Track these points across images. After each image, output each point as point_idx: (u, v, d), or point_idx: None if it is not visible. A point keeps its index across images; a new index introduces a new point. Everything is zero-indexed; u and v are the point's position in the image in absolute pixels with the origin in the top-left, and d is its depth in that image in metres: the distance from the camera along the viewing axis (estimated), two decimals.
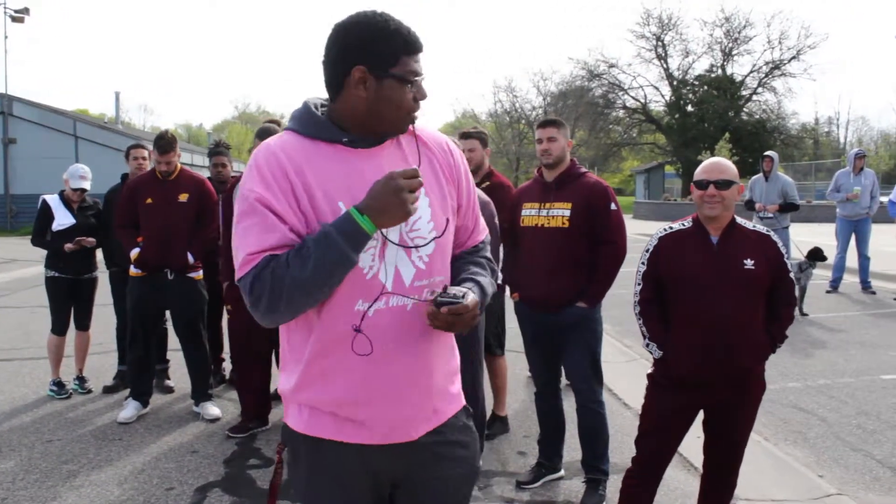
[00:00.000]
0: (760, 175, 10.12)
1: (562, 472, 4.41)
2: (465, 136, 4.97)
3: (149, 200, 5.51)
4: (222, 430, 5.29)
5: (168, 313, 5.95)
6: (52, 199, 6.15)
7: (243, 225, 1.86)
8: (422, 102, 1.97)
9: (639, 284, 3.37)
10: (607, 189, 4.10)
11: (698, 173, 3.25)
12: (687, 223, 3.31)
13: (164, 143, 5.53)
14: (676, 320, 3.26)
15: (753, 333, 3.20)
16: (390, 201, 1.80)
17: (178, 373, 6.38)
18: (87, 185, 6.06)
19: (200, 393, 5.69)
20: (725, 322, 3.13)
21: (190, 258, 5.53)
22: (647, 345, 3.35)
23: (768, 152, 10.42)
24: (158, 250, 5.47)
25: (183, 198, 5.53)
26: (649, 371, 3.42)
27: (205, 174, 6.16)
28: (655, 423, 3.36)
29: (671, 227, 3.35)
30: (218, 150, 6.43)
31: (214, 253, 6.07)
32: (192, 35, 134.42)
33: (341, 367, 1.91)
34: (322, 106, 2.01)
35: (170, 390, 6.31)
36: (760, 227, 3.29)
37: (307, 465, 2.01)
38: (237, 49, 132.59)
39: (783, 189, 9.84)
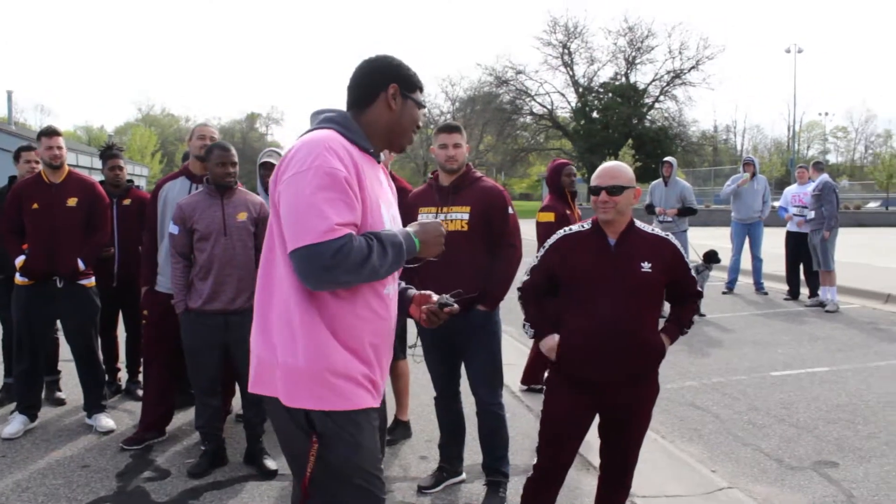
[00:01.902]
0: (660, 180, 10.42)
1: (463, 476, 4.42)
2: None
3: (35, 206, 5.25)
4: (116, 442, 5.09)
5: (59, 323, 5.70)
6: None
7: (327, 196, 2.10)
8: None
9: (527, 275, 3.40)
10: (503, 193, 4.13)
11: (593, 179, 3.26)
12: (587, 225, 3.33)
13: (48, 128, 5.35)
14: (572, 322, 3.25)
15: (648, 336, 3.21)
16: (436, 241, 2.38)
17: (70, 384, 6.12)
18: None
19: (93, 404, 5.46)
20: (620, 324, 3.13)
21: (80, 265, 5.30)
22: (524, 325, 3.43)
23: (667, 158, 10.72)
24: (46, 257, 5.22)
25: (71, 202, 5.30)
26: (546, 376, 3.44)
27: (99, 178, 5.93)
28: (555, 430, 3.35)
29: (571, 229, 3.37)
30: (112, 153, 6.17)
31: (107, 260, 5.87)
32: (93, 33, 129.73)
33: (384, 345, 2.36)
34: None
35: (61, 402, 6.03)
36: (659, 231, 3.31)
37: (361, 438, 2.26)
38: (140, 48, 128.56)
39: (682, 194, 10.17)
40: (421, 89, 2.47)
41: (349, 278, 2.13)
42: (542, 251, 3.38)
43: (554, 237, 3.38)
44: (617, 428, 3.37)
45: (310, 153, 2.16)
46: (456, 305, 2.54)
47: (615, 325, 3.14)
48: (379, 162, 2.42)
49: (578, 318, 3.22)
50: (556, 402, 3.34)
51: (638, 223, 3.29)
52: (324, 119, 2.34)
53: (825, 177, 10.66)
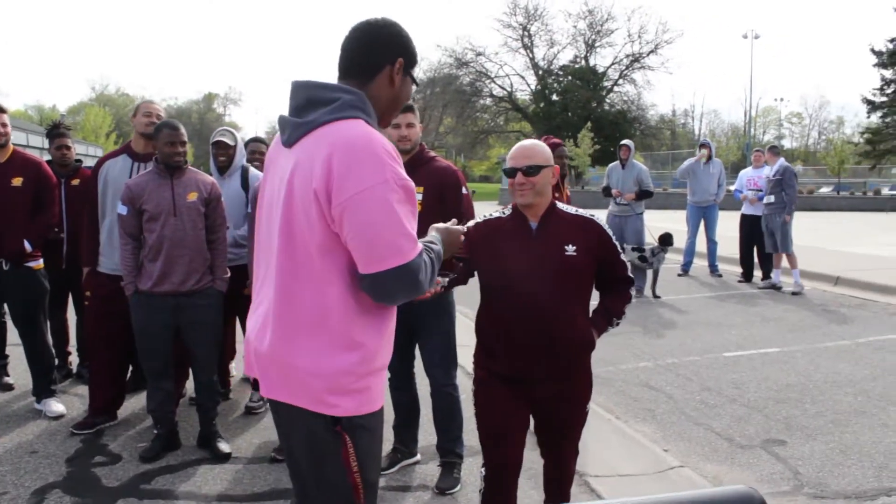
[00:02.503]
0: (617, 163, 10.47)
1: (418, 457, 4.42)
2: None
3: None
4: (66, 427, 5.00)
5: (6, 306, 5.57)
6: None
7: (406, 210, 2.03)
8: None
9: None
10: (457, 172, 4.11)
11: (507, 160, 3.05)
12: (507, 211, 3.12)
13: None
14: (495, 313, 3.05)
15: (576, 324, 3.00)
16: (456, 247, 2.41)
17: (19, 368, 5.99)
18: None
19: (42, 389, 5.35)
20: (546, 312, 2.93)
21: (27, 246, 5.17)
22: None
23: (625, 141, 10.77)
24: None
25: (17, 182, 5.16)
26: (472, 373, 3.24)
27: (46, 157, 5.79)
28: (489, 426, 3.14)
29: (491, 215, 3.18)
30: (59, 132, 6.01)
31: (55, 241, 5.73)
32: (45, 9, 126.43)
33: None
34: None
35: (9, 388, 5.89)
36: (583, 212, 3.10)
37: (376, 437, 2.24)
38: (94, 26, 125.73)
39: (639, 176, 10.24)
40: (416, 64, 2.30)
41: (421, 291, 2.10)
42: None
43: (473, 222, 3.19)
44: (550, 419, 3.16)
45: (376, 162, 1.99)
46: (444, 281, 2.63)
47: (539, 315, 2.93)
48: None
49: (500, 309, 3.03)
50: (486, 397, 3.13)
51: (560, 205, 3.08)
52: (345, 105, 2.08)
53: (783, 161, 10.78)
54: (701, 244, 12.11)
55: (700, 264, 12.43)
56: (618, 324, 3.17)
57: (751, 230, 11.32)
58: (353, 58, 2.18)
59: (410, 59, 2.22)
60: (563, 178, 6.35)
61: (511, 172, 2.98)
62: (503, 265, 2.98)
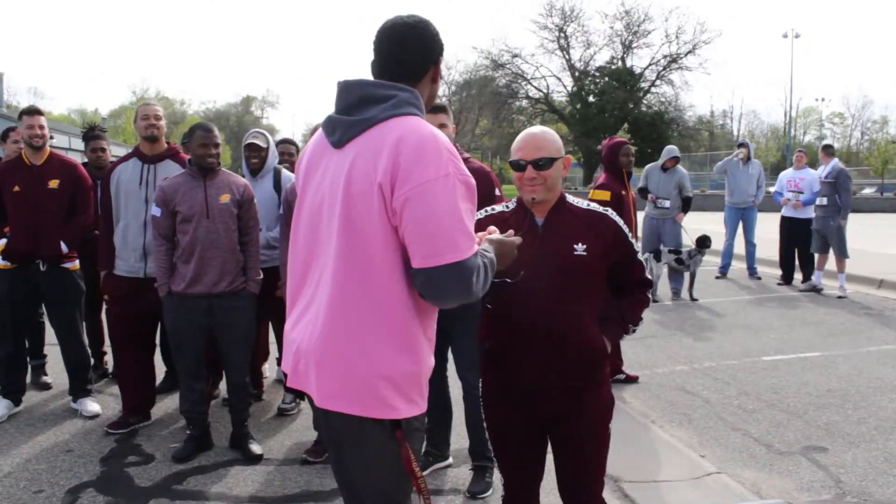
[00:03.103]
0: (657, 165, 10.13)
1: (450, 461, 4.39)
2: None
3: (16, 188, 5.18)
4: (101, 427, 5.05)
5: (43, 306, 5.64)
6: None
7: (467, 207, 2.02)
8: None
9: None
10: (490, 174, 4.07)
11: (514, 151, 2.73)
12: (511, 205, 2.86)
13: (29, 107, 5.31)
14: (498, 318, 2.75)
15: (585, 330, 2.68)
16: (507, 262, 2.29)
17: (56, 368, 6.07)
18: None
19: (78, 388, 5.41)
20: (550, 319, 2.62)
21: (63, 248, 5.23)
22: None
23: (675, 154, 10.17)
24: (28, 240, 5.15)
25: (53, 184, 5.22)
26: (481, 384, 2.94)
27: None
28: (501, 445, 2.86)
29: (494, 209, 2.90)
30: (95, 135, 6.08)
31: (92, 241, 5.79)
32: (88, 15, 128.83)
33: None
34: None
35: (47, 387, 5.98)
36: (596, 207, 2.79)
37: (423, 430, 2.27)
38: (135, 31, 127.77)
39: (680, 181, 9.98)
40: None
41: (476, 295, 2.03)
42: None
43: (475, 219, 2.86)
44: (562, 447, 2.80)
45: (440, 156, 1.99)
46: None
47: (544, 320, 2.62)
48: None
49: (503, 314, 2.71)
50: (497, 422, 2.84)
51: (571, 198, 2.79)
52: (403, 102, 2.08)
53: (837, 162, 10.46)
54: (739, 246, 11.91)
55: (738, 267, 12.23)
56: (634, 331, 2.85)
57: (791, 232, 11.10)
58: (399, 58, 2.15)
59: (441, 57, 2.24)
60: (629, 176, 6.31)
61: (519, 166, 2.68)
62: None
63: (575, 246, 2.65)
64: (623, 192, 6.06)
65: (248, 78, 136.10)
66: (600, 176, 6.37)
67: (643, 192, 10.26)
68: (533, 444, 2.82)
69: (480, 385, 2.90)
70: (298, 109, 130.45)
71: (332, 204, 2.09)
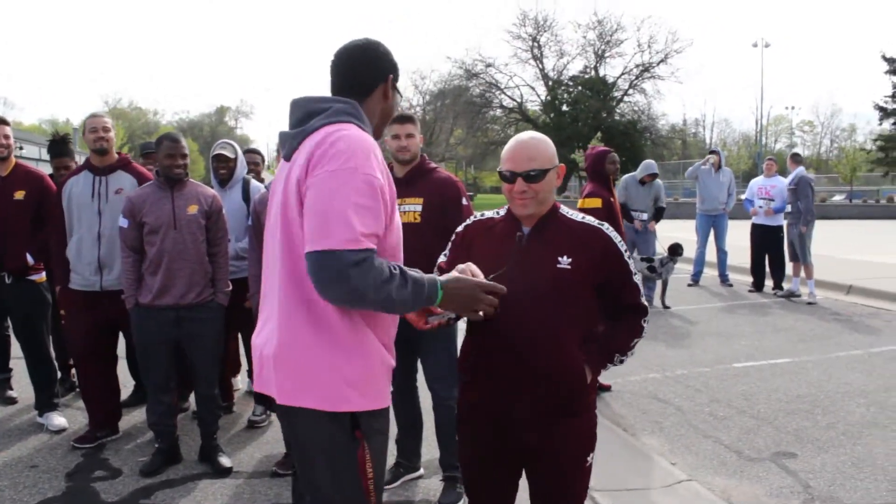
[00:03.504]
0: (633, 176, 10.06)
1: (421, 472, 4.37)
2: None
3: None
4: (68, 441, 4.96)
5: (9, 319, 5.55)
6: None
7: (360, 202, 2.04)
8: None
9: (436, 271, 2.71)
10: (457, 184, 4.07)
11: (503, 161, 2.52)
12: (502, 212, 2.65)
13: None
14: (474, 334, 2.55)
15: (564, 353, 2.42)
16: (465, 301, 2.25)
17: (22, 382, 5.97)
18: None
19: (44, 402, 5.32)
20: (527, 339, 2.40)
21: (30, 259, 5.15)
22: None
23: (654, 169, 10.04)
24: None
25: (19, 195, 5.14)
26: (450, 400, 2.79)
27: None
28: (468, 477, 2.68)
29: (483, 214, 2.72)
30: (59, 151, 5.85)
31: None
32: (58, 25, 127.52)
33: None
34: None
35: (12, 401, 5.87)
36: (591, 220, 2.55)
37: (386, 442, 2.32)
38: (106, 41, 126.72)
39: (657, 193, 10.02)
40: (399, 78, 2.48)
41: (361, 295, 2.01)
42: (449, 244, 2.76)
43: (462, 225, 2.75)
44: (535, 483, 2.59)
45: (351, 153, 2.07)
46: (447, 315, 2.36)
47: (521, 339, 2.40)
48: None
49: (478, 328, 2.48)
50: (463, 441, 2.67)
51: (566, 210, 2.56)
52: (338, 111, 2.20)
53: (801, 170, 10.60)
54: (711, 254, 12.00)
55: (710, 274, 12.32)
56: (621, 361, 2.60)
57: (762, 239, 11.21)
58: (349, 77, 2.31)
59: (397, 74, 2.39)
60: (614, 183, 6.36)
61: (509, 177, 2.47)
62: (486, 274, 2.37)
63: (560, 258, 2.43)
64: (612, 199, 6.09)
65: (222, 88, 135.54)
66: (587, 185, 6.38)
67: (624, 209, 10.10)
68: (504, 475, 2.62)
69: (455, 398, 2.77)
70: (273, 120, 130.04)
71: (277, 213, 2.22)
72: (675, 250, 9.68)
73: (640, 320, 2.57)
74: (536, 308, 2.41)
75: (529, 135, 2.54)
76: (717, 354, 7.45)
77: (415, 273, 2.13)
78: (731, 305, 10.30)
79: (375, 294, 2.01)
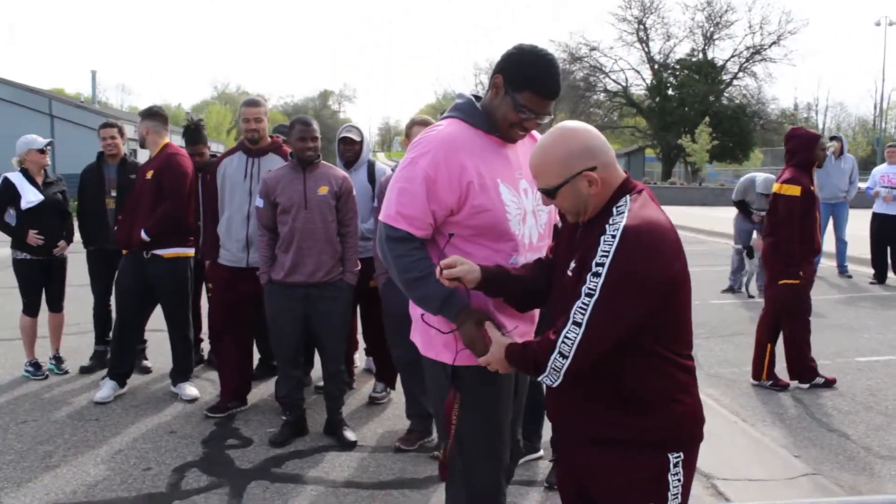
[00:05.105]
0: (753, 177, 9.86)
1: (541, 453, 4.41)
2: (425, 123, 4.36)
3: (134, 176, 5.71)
4: (200, 410, 5.25)
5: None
6: (16, 177, 5.86)
7: (403, 187, 2.48)
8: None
9: None
10: None
11: None
12: None
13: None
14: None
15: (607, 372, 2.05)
16: (471, 344, 2.41)
17: (156, 352, 6.33)
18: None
19: (180, 373, 5.63)
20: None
21: (144, 235, 5.33)
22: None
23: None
24: (123, 229, 5.49)
25: (149, 175, 5.44)
26: None
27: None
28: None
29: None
30: (195, 139, 6.19)
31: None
32: (172, 14, 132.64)
33: None
34: (476, 98, 2.64)
35: (147, 370, 6.23)
36: (633, 213, 2.00)
37: (481, 395, 2.61)
38: (217, 29, 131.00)
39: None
40: (536, 92, 2.44)
41: (393, 266, 2.50)
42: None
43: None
44: None
45: (415, 149, 2.51)
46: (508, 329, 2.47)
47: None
48: (513, 141, 2.60)
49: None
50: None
51: (627, 202, 2.04)
52: (452, 107, 2.64)
53: None
54: (829, 244, 11.53)
55: (828, 265, 11.86)
56: (541, 375, 2.05)
57: (881, 229, 10.73)
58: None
59: (511, 79, 2.48)
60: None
61: None
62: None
63: (571, 265, 2.11)
64: (812, 189, 5.64)
65: (326, 72, 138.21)
66: (786, 170, 5.83)
67: (741, 205, 9.88)
68: (571, 492, 2.34)
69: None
70: (375, 103, 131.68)
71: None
72: (750, 252, 9.46)
73: (558, 337, 2.00)
74: (555, 319, 2.10)
75: (542, 142, 2.15)
76: (838, 347, 7.20)
77: (439, 285, 2.37)
78: (852, 297, 9.90)
79: (400, 274, 2.49)
